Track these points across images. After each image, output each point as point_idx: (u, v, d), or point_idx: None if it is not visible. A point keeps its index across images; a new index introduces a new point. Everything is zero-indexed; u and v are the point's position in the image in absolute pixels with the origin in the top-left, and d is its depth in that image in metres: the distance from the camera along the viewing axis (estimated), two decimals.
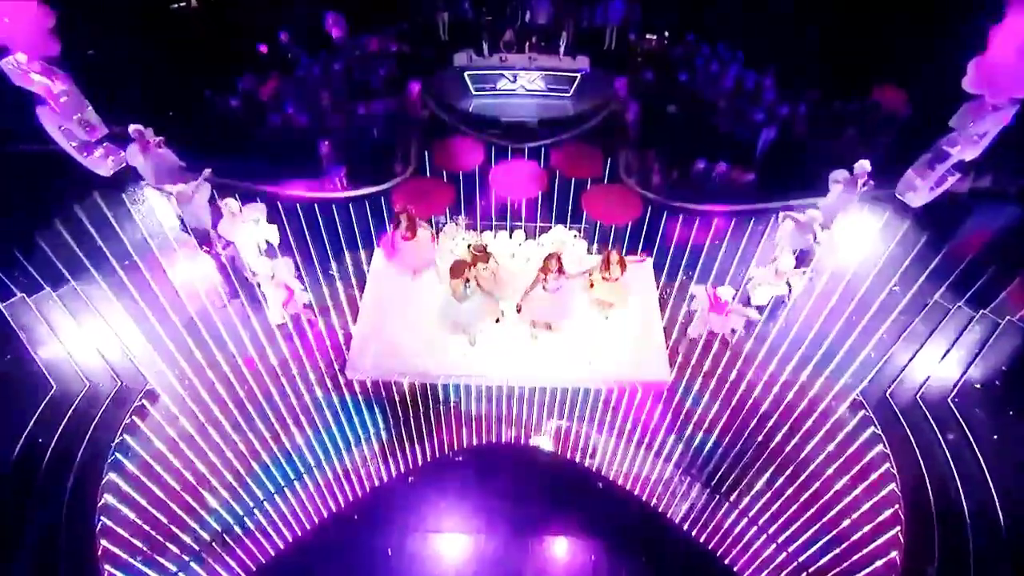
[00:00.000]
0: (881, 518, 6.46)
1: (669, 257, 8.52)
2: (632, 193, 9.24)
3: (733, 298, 7.22)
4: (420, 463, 7.14)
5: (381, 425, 7.23)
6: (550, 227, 8.13)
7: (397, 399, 7.30)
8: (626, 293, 7.11)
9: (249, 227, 7.52)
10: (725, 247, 8.69)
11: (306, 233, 8.62)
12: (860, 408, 7.10)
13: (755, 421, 7.23)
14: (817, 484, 6.81)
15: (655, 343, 7.36)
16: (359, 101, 10.11)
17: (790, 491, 6.86)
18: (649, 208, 9.02)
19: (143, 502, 6.51)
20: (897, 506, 6.38)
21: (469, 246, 6.73)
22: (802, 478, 6.87)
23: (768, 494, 6.86)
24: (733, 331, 7.55)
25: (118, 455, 6.63)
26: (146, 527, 6.40)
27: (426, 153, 9.75)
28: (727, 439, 7.18)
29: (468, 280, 6.42)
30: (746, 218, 8.99)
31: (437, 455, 7.14)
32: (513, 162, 9.84)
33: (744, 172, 9.53)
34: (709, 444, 7.19)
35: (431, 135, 10.11)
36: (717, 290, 7.13)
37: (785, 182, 8.94)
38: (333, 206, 9.08)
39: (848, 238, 8.33)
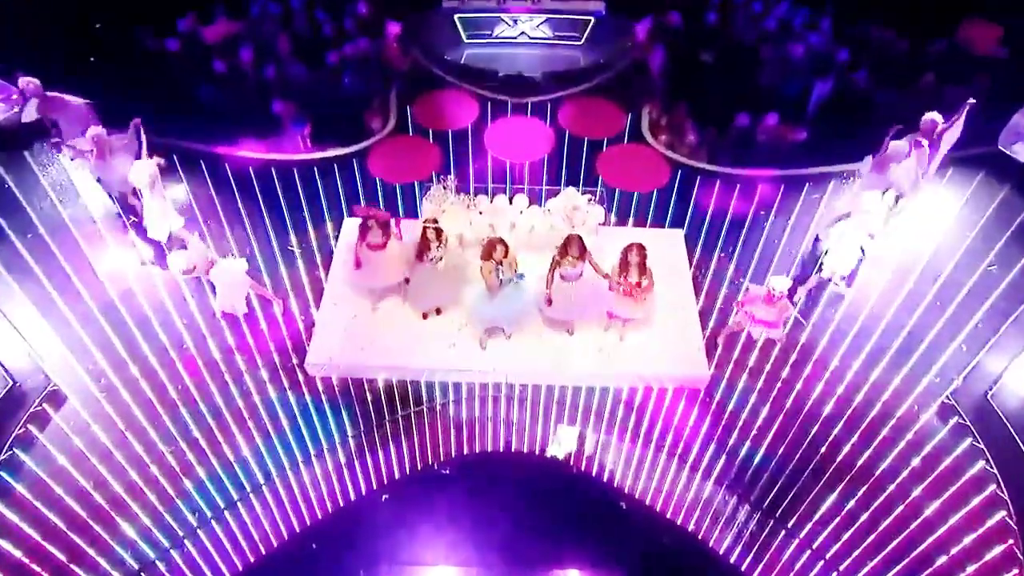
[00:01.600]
0: (989, 556, 6.07)
1: (704, 231, 8.47)
2: (657, 155, 9.15)
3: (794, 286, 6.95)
4: (397, 477, 6.91)
5: (349, 431, 7.01)
6: (559, 191, 7.94)
7: (369, 400, 7.13)
8: (650, 307, 7.03)
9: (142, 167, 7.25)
10: (773, 218, 8.62)
11: (261, 203, 8.54)
12: (951, 414, 6.85)
13: (815, 428, 6.96)
14: (899, 509, 6.48)
15: (689, 333, 7.27)
16: (326, 46, 10.04)
17: (864, 517, 6.51)
18: (678, 173, 8.93)
19: (36, 536, 6.12)
20: (1011, 541, 6.02)
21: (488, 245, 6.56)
22: (879, 501, 6.56)
23: (836, 521, 6.53)
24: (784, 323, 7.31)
25: (3, 474, 6.36)
26: (39, 569, 6.01)
27: (408, 108, 9.65)
28: (781, 450, 6.88)
29: (500, 263, 6.36)
30: (797, 184, 8.88)
31: (419, 468, 6.91)
32: (513, 119, 9.71)
33: (794, 129, 9.36)
34: (758, 456, 6.90)
35: (413, 87, 9.98)
36: (771, 281, 6.92)
37: (845, 140, 8.71)
38: (294, 171, 9.03)
39: (928, 206, 8.20)
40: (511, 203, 8.01)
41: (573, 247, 6.55)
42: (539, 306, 6.98)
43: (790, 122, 9.41)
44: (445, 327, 7.30)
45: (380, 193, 8.72)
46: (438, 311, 7.28)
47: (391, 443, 6.98)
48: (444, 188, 7.80)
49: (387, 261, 6.94)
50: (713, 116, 9.53)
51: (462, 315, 7.14)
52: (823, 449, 6.85)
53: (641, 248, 6.64)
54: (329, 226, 8.46)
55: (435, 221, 6.80)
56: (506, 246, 6.55)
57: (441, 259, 6.82)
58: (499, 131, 9.32)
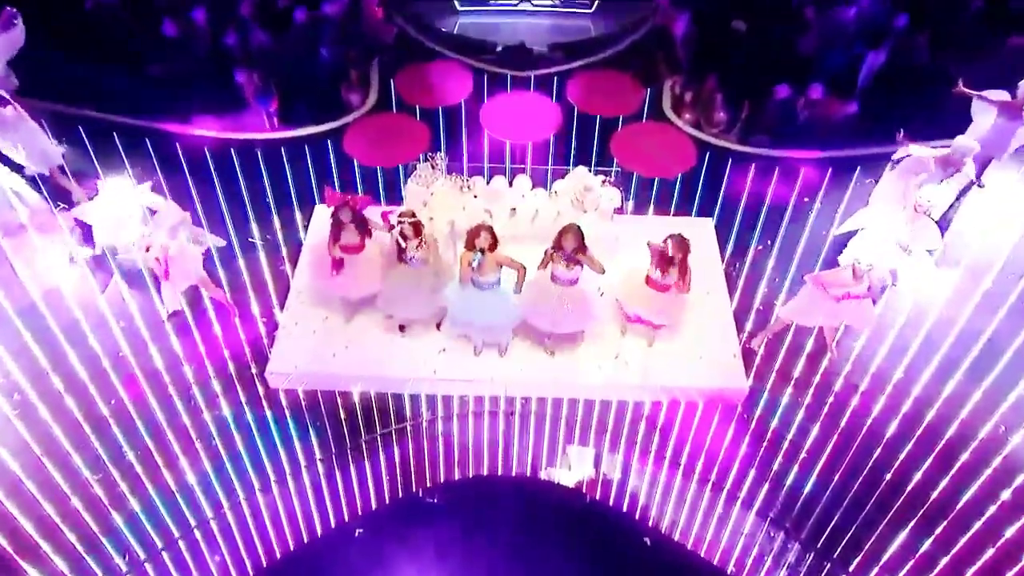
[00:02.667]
0: None
1: (737, 221, 8.43)
2: (682, 135, 9.00)
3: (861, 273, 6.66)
4: (373, 507, 6.69)
5: (317, 454, 6.83)
6: (568, 171, 7.78)
7: (343, 416, 7.02)
8: (680, 310, 6.92)
9: None
10: (819, 206, 8.56)
11: (218, 188, 8.48)
12: None
13: (878, 452, 6.76)
14: (989, 552, 6.20)
15: (723, 338, 7.20)
16: (297, 7, 9.91)
17: (943, 562, 6.23)
18: (706, 155, 8.80)
19: None
20: None
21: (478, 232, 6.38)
22: (961, 543, 6.29)
23: (907, 566, 6.27)
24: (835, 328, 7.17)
25: None
26: None
27: (391, 82, 9.39)
28: (836, 478, 6.65)
29: (482, 252, 6.20)
30: (847, 167, 8.78)
31: (400, 495, 6.71)
32: (513, 95, 9.57)
33: (842, 103, 9.26)
34: (809, 485, 6.65)
35: (399, 58, 9.87)
36: (822, 275, 6.73)
37: (903, 116, 8.57)
38: (257, 152, 8.95)
39: (1008, 189, 8.12)
40: (511, 186, 7.91)
41: (568, 239, 6.26)
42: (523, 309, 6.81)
43: (838, 94, 9.31)
44: (432, 330, 7.22)
45: (359, 178, 8.62)
46: (401, 328, 7.17)
47: (368, 468, 6.84)
48: (433, 167, 7.57)
49: (364, 266, 6.80)
50: (747, 89, 9.45)
51: (441, 338, 7.22)
52: (888, 476, 6.65)
53: (683, 241, 6.40)
54: (298, 215, 8.43)
55: (412, 215, 6.55)
56: (494, 237, 6.33)
57: (425, 260, 6.58)
58: (497, 108, 8.98)
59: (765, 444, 6.90)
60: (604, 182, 7.68)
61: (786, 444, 6.91)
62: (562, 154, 8.89)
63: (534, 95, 9.50)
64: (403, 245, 6.51)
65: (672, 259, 6.46)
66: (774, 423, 7.01)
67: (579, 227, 6.42)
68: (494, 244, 6.36)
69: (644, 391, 7.07)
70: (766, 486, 6.69)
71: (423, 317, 7.15)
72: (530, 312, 6.79)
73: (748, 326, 7.55)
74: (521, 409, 7.13)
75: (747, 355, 7.23)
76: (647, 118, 9.32)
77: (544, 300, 6.64)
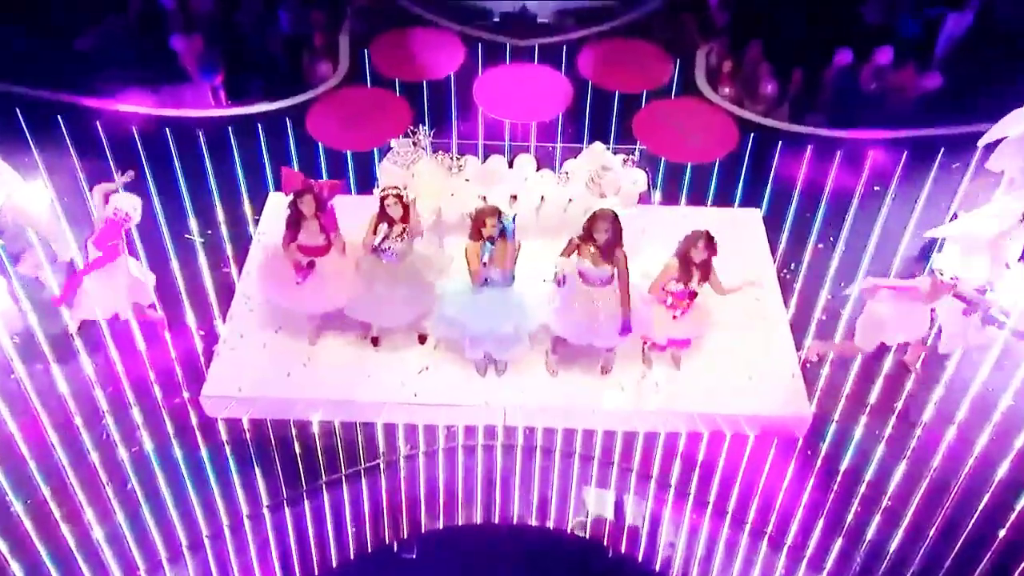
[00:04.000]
0: None
1: (790, 213, 8.50)
2: (720, 113, 9.10)
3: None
4: (335, 567, 6.61)
5: (265, 500, 6.72)
6: (580, 148, 7.84)
7: (298, 451, 6.96)
8: (706, 322, 6.85)
9: None
10: (892, 196, 8.61)
11: (148, 175, 8.44)
12: None
13: (986, 499, 6.61)
14: None
15: (778, 354, 7.13)
16: None
17: None
18: (750, 137, 8.90)
19: None
20: None
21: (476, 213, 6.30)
22: None
23: None
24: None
25: None
26: None
27: (364, 51, 9.62)
28: (931, 533, 6.50)
29: (491, 238, 6.09)
30: (926, 150, 8.86)
31: (369, 550, 6.65)
32: (513, 68, 9.67)
33: (918, 74, 9.30)
34: (894, 541, 6.53)
35: (374, 23, 10.02)
36: (939, 275, 6.61)
37: (991, 91, 8.66)
38: (199, 133, 9.00)
39: None
40: (511, 167, 7.81)
41: (600, 226, 6.11)
42: (546, 316, 6.64)
43: (914, 62, 9.38)
44: (413, 343, 7.17)
45: (324, 165, 8.69)
46: (374, 341, 7.12)
47: (329, 517, 6.77)
48: (414, 144, 7.49)
49: (332, 273, 6.70)
50: (799, 57, 9.48)
51: (424, 353, 7.17)
52: (1001, 533, 6.48)
53: (710, 238, 6.27)
54: (247, 207, 8.47)
55: (399, 191, 6.43)
56: (499, 214, 6.20)
57: (403, 254, 6.47)
58: (494, 82, 9.20)
59: (835, 488, 6.78)
60: (626, 161, 7.59)
61: (863, 488, 6.76)
62: (573, 137, 9.03)
63: (539, 68, 9.60)
64: (390, 223, 6.31)
65: (695, 262, 6.27)
66: (846, 461, 6.89)
67: (615, 213, 6.18)
68: (505, 232, 6.18)
69: (679, 420, 7.01)
70: (838, 542, 6.57)
71: (400, 325, 6.95)
72: (558, 318, 6.56)
73: (808, 340, 7.45)
74: (524, 442, 7.09)
75: (808, 375, 7.11)
76: (677, 94, 9.41)
77: (572, 304, 6.45)
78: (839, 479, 6.81)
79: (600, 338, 6.62)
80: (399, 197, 6.31)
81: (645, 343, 6.96)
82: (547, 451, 7.07)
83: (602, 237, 6.14)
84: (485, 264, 6.11)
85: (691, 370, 7.06)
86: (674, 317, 6.50)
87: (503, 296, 6.40)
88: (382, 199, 6.33)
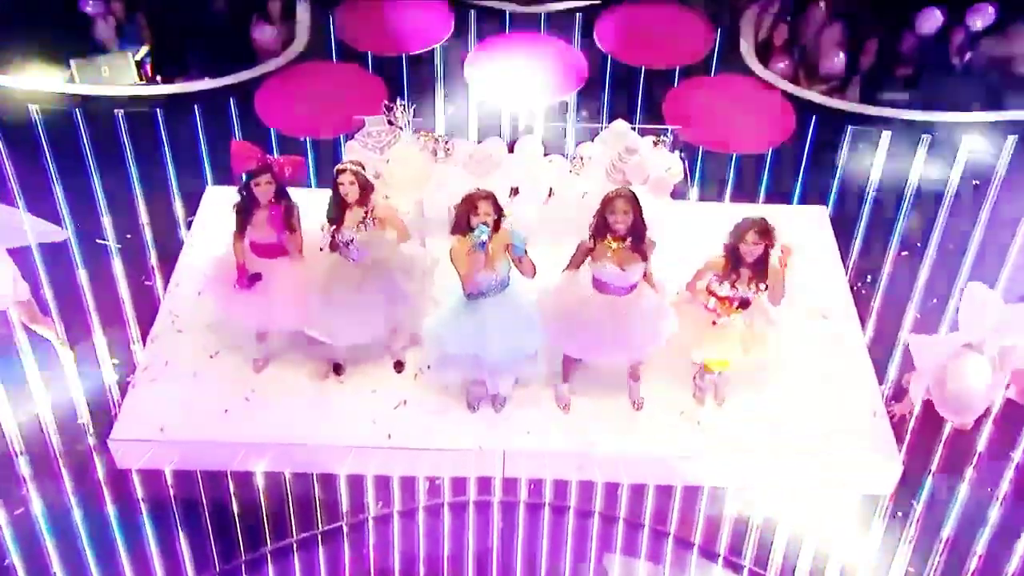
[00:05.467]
0: None
1: (864, 214, 8.55)
2: (772, 91, 9.21)
3: None
4: None
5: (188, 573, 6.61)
6: (598, 128, 7.88)
7: (237, 512, 6.82)
8: (768, 341, 6.72)
9: None
10: (995, 192, 8.65)
11: (51, 166, 8.61)
12: None
13: None
14: None
15: (854, 388, 7.11)
16: None
17: None
18: (812, 120, 8.99)
19: None
20: None
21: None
22: None
23: None
24: None
25: None
26: None
27: (329, 18, 9.72)
28: None
29: (486, 224, 5.98)
30: None
31: None
32: (514, 39, 9.72)
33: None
34: None
35: None
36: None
37: None
38: (118, 115, 9.04)
39: None
40: (511, 151, 7.82)
41: (618, 208, 5.94)
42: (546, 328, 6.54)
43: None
44: (387, 369, 7.15)
45: (275, 155, 8.55)
46: (337, 369, 7.11)
47: None
48: (391, 123, 7.51)
49: (282, 279, 6.63)
50: (873, 21, 9.61)
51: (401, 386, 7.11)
52: None
53: (766, 228, 6.12)
54: (177, 206, 8.51)
55: (357, 167, 6.42)
56: (498, 206, 6.04)
57: (368, 246, 6.40)
58: (490, 57, 9.31)
59: (936, 563, 6.64)
60: (656, 143, 7.56)
61: (973, 562, 6.60)
62: (587, 122, 9.10)
63: (546, 39, 9.72)
64: (344, 210, 6.27)
65: (747, 259, 6.12)
66: (948, 528, 6.74)
67: (632, 193, 6.05)
68: (499, 221, 6.00)
69: (729, 471, 6.91)
70: None
71: (367, 341, 6.87)
72: (558, 332, 6.46)
73: (890, 373, 7.36)
74: (528, 498, 7.00)
75: (896, 423, 7.01)
76: (717, 69, 9.55)
77: (580, 315, 6.34)
78: (940, 550, 6.70)
79: (626, 347, 6.50)
80: (356, 174, 6.24)
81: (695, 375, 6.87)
82: (558, 510, 6.99)
83: (623, 222, 5.92)
84: (479, 264, 5.95)
85: (743, 406, 6.97)
86: (713, 323, 6.36)
87: (504, 305, 6.29)
88: (335, 178, 6.29)
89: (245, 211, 6.38)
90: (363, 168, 6.42)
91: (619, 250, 6.02)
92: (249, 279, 6.47)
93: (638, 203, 6.01)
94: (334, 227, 6.32)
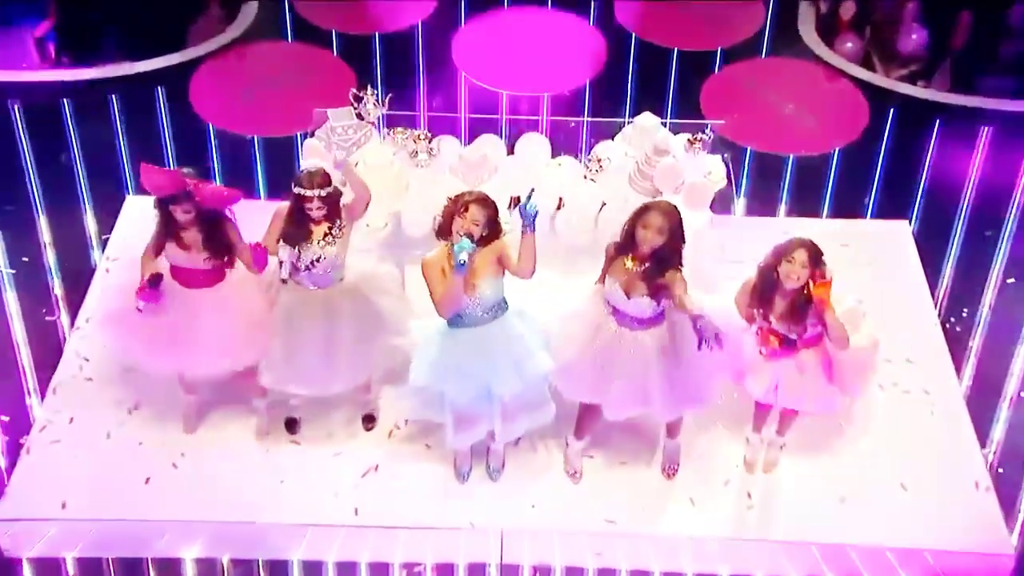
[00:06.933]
0: None
1: (958, 230, 8.65)
2: (840, 78, 9.50)
3: None
4: None
5: None
6: (620, 123, 7.96)
7: None
8: (828, 391, 6.69)
9: None
10: None
11: None
12: None
13: None
14: None
15: (951, 452, 7.12)
16: None
17: None
18: (890, 112, 9.22)
19: None
20: None
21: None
22: None
23: None
24: None
25: None
26: None
27: None
28: None
29: (470, 236, 6.00)
30: None
31: None
32: (514, 13, 10.08)
33: None
34: None
35: None
36: None
37: None
38: (13, 107, 9.28)
39: None
40: (512, 153, 7.86)
41: (651, 223, 5.92)
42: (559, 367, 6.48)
43: None
44: (354, 428, 7.14)
45: (217, 160, 8.97)
46: (290, 425, 7.14)
47: None
48: (360, 116, 7.31)
49: (214, 314, 6.69)
50: None
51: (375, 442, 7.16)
52: None
53: (814, 251, 6.13)
54: (90, 221, 8.59)
55: (323, 177, 6.40)
56: (493, 217, 6.08)
57: (336, 267, 6.48)
58: (484, 38, 9.69)
59: None
60: (693, 142, 7.48)
61: None
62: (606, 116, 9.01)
63: (554, 14, 10.13)
64: (308, 225, 6.29)
65: (786, 288, 6.14)
66: None
67: (675, 210, 6.05)
68: (495, 230, 6.02)
69: (789, 557, 6.79)
70: None
71: (330, 393, 6.87)
72: (568, 370, 6.43)
73: (995, 432, 7.40)
74: None
75: (1003, 484, 6.99)
76: (769, 51, 9.90)
77: (593, 344, 6.34)
78: None
79: (650, 401, 6.43)
80: (324, 199, 6.28)
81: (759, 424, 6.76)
82: None
83: (650, 242, 5.91)
84: (454, 284, 5.90)
85: (798, 475, 6.93)
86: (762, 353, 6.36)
87: (490, 338, 6.24)
88: (297, 199, 6.29)
89: (166, 230, 6.41)
90: (329, 181, 6.39)
91: (632, 272, 6.02)
92: (150, 282, 6.36)
93: (679, 224, 5.99)
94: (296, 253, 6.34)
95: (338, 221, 6.43)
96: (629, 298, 6.04)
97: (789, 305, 6.12)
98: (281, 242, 6.35)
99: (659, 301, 6.03)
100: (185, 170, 6.41)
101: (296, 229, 6.33)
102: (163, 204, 6.31)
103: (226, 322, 6.64)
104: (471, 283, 5.96)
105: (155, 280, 6.36)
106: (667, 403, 6.47)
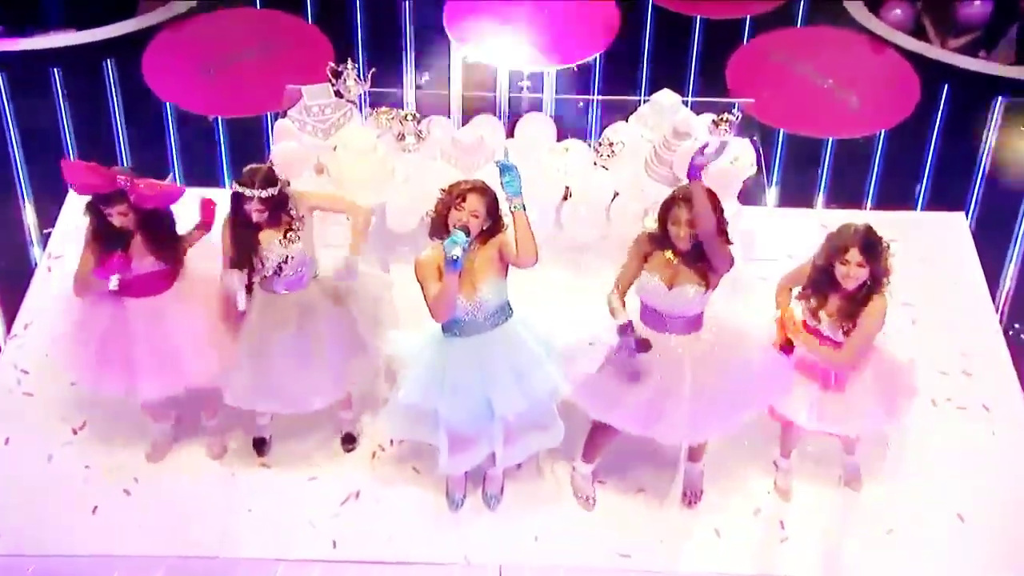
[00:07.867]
0: None
1: (1022, 222, 8.71)
2: (887, 50, 9.61)
3: None
4: None
5: None
6: (635, 102, 8.10)
7: None
8: (878, 408, 6.61)
9: None
10: None
11: None
12: None
13: None
14: None
15: (1019, 480, 7.08)
16: None
17: None
18: (944, 89, 9.29)
19: None
20: None
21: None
22: None
23: None
24: None
25: None
26: None
27: None
28: None
29: (466, 230, 5.94)
30: None
31: None
32: None
33: None
34: None
35: None
36: None
37: None
38: None
39: None
40: (512, 135, 7.94)
41: (681, 225, 5.91)
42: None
43: None
44: (332, 448, 7.12)
45: (175, 145, 9.01)
46: (259, 446, 7.14)
47: None
48: (339, 94, 7.65)
49: (179, 322, 6.72)
50: None
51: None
52: None
53: (867, 244, 6.10)
54: (30, 214, 8.68)
55: (268, 171, 6.35)
56: (494, 210, 6.05)
57: (305, 270, 6.51)
58: (482, 4, 9.86)
59: None
60: (719, 123, 7.56)
61: None
62: (619, 94, 9.30)
63: None
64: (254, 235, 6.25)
65: (840, 282, 6.13)
66: None
67: (707, 193, 5.94)
68: (496, 224, 6.02)
69: None
70: None
71: (307, 411, 6.84)
72: (591, 394, 6.42)
73: None
74: None
75: None
76: (806, 19, 10.01)
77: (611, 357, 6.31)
78: None
79: (681, 427, 6.40)
80: (265, 200, 6.22)
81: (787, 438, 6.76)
82: None
83: (685, 239, 5.90)
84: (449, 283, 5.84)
85: (846, 502, 6.88)
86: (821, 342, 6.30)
87: (489, 348, 6.22)
88: (235, 199, 6.26)
89: (101, 235, 6.39)
90: (275, 181, 6.32)
91: (675, 264, 6.01)
92: (118, 260, 6.27)
93: (716, 199, 5.93)
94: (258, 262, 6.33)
95: (293, 222, 6.42)
96: (670, 289, 6.03)
97: (846, 302, 6.12)
98: (228, 268, 6.35)
99: (708, 286, 6.04)
100: (118, 168, 6.38)
101: (245, 238, 6.34)
102: (95, 206, 6.34)
103: (184, 330, 6.65)
104: (471, 285, 5.95)
105: (123, 262, 6.30)
106: (694, 423, 6.44)
